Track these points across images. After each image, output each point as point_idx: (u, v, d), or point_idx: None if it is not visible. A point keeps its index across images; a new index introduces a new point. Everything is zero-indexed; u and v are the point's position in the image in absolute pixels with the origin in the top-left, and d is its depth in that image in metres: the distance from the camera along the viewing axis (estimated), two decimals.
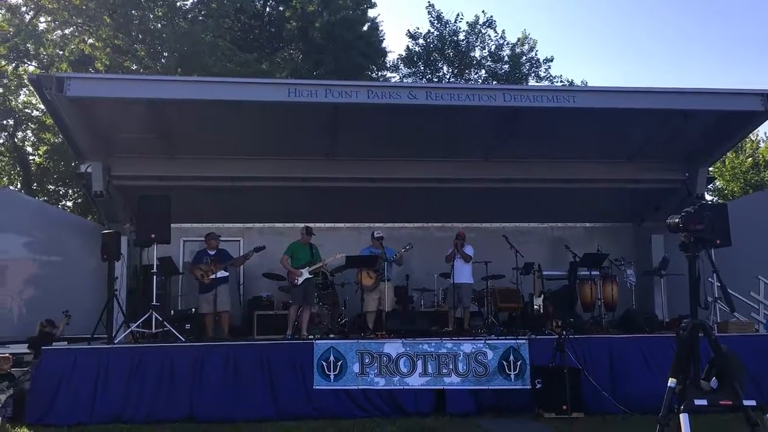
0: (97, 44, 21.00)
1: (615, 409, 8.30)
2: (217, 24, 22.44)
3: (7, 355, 8.26)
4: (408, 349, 8.78)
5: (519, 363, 8.75)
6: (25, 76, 20.63)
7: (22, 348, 9.73)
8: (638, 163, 12.01)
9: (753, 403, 4.11)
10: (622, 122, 10.77)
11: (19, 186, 22.60)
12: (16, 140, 23.42)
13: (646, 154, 11.79)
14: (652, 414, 4.32)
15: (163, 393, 8.31)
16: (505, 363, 8.75)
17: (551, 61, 29.84)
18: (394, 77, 29.69)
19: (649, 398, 7.29)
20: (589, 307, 11.33)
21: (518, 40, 30.40)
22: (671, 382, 4.19)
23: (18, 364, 8.77)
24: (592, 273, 11.37)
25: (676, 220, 4.42)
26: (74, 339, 9.88)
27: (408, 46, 30.20)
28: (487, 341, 8.92)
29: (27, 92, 22.37)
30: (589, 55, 55.17)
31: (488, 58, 30.21)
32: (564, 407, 8.07)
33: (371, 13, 27.87)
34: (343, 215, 13.33)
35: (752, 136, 25.79)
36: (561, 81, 29.60)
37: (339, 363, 8.64)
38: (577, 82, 29.24)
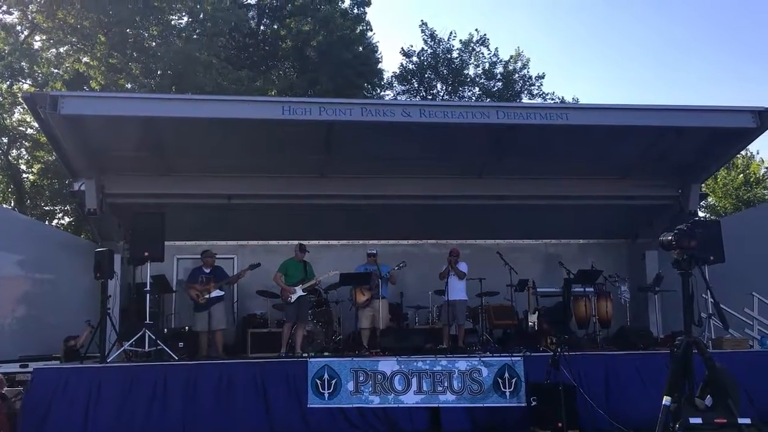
0: (91, 63, 21.06)
1: (610, 426, 8.26)
2: (212, 42, 22.53)
3: None
4: (403, 366, 8.74)
5: (514, 380, 8.72)
6: (19, 94, 20.66)
7: (15, 367, 9.66)
8: (631, 179, 12.06)
9: (747, 420, 4.11)
10: (615, 139, 10.83)
11: (12, 204, 22.53)
12: (10, 158, 23.39)
13: (639, 170, 11.84)
14: (648, 431, 4.31)
15: (157, 412, 8.22)
16: (500, 380, 8.71)
17: (543, 78, 30.09)
18: (388, 95, 29.89)
19: (644, 415, 7.30)
20: (584, 323, 11.32)
21: (511, 57, 30.69)
22: (666, 400, 4.19)
23: (10, 383, 8.69)
24: (587, 289, 11.37)
25: (669, 237, 4.44)
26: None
27: (402, 64, 30.43)
28: (482, 358, 8.89)
29: (21, 110, 22.39)
30: (582, 72, 55.60)
31: (482, 76, 30.44)
32: (559, 425, 8.01)
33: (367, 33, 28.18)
34: (337, 232, 13.33)
35: (744, 153, 25.96)
36: (553, 98, 29.86)
37: (333, 381, 8.59)
38: (569, 98, 29.49)
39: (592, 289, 11.43)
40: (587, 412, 8.39)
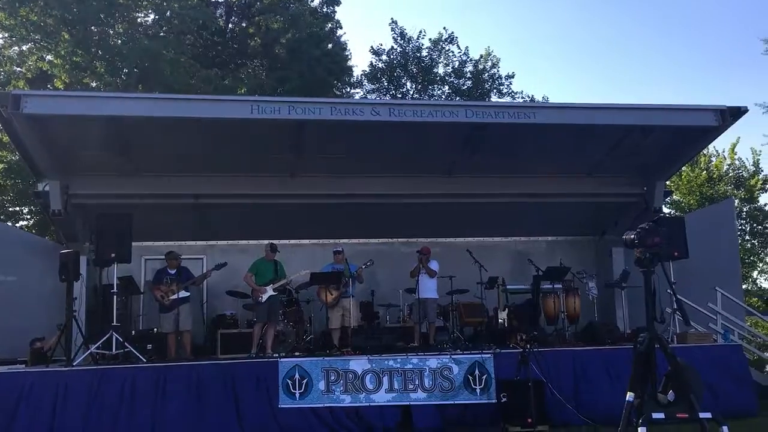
0: (55, 61, 20.67)
1: (579, 420, 8.38)
2: (179, 40, 22.28)
3: None
4: (374, 365, 8.76)
5: (484, 377, 8.79)
6: None
7: None
8: (598, 177, 12.21)
9: (708, 415, 4.19)
10: (582, 138, 10.96)
11: None
12: None
13: (605, 168, 12.00)
14: (616, 425, 4.38)
15: (124, 415, 8.13)
16: (470, 377, 8.78)
17: (512, 77, 30.27)
18: (358, 93, 29.84)
19: (611, 409, 7.31)
20: (553, 320, 11.45)
21: (481, 56, 30.80)
22: (629, 395, 4.26)
23: None
24: (555, 286, 11.50)
25: (632, 236, 4.51)
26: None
27: (372, 62, 30.39)
28: (453, 356, 8.95)
29: None
30: (551, 71, 56.14)
31: (451, 75, 30.53)
32: (529, 420, 8.12)
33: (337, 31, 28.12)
34: (308, 232, 13.29)
35: (705, 151, 26.46)
36: (522, 97, 30.04)
37: (304, 381, 8.58)
38: (538, 97, 29.73)
39: (560, 286, 11.56)
40: (556, 406, 8.51)
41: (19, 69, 21.06)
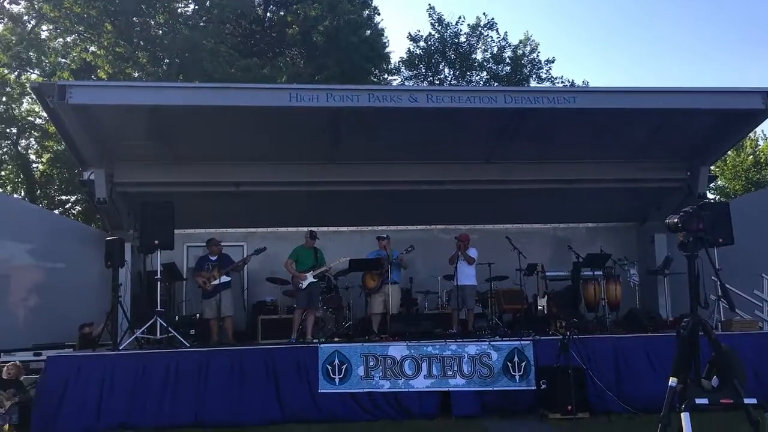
0: (99, 52, 21.09)
1: (620, 408, 8.30)
2: (218, 30, 22.51)
3: (16, 362, 8.28)
4: (412, 351, 8.80)
5: (524, 364, 8.76)
6: (27, 85, 20.74)
7: (29, 355, 9.76)
8: (640, 162, 12.01)
9: (754, 401, 4.12)
10: (623, 122, 10.77)
11: (22, 194, 22.69)
12: (19, 148, 23.52)
13: (648, 153, 11.79)
14: (657, 413, 4.34)
15: (169, 398, 8.33)
16: (509, 364, 8.76)
17: (553, 62, 29.85)
18: (395, 80, 29.76)
19: (653, 397, 7.28)
20: (593, 307, 11.33)
21: (520, 41, 30.43)
22: (672, 381, 4.21)
23: (25, 371, 8.79)
24: (596, 273, 11.37)
25: (675, 220, 4.44)
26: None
27: (409, 49, 30.27)
28: (492, 342, 8.93)
29: (30, 100, 22.50)
30: (591, 55, 55.20)
31: (490, 60, 30.23)
32: (569, 407, 8.07)
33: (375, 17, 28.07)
34: (347, 219, 13.36)
35: (752, 135, 25.78)
36: (562, 82, 29.61)
37: (344, 366, 8.66)
38: (579, 82, 29.25)
39: (601, 273, 11.42)
40: (597, 394, 8.44)
41: (63, 60, 21.54)
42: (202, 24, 22.97)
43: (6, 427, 7.76)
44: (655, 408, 4.61)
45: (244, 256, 11.45)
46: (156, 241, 9.75)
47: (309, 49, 26.12)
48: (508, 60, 30.14)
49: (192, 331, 10.55)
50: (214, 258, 10.66)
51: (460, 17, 29.92)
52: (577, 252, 11.52)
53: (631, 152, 11.85)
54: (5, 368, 8.06)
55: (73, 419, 8.11)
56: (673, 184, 12.22)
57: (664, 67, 54.34)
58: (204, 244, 11.11)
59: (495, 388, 8.67)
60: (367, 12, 27.62)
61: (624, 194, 12.76)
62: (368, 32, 26.93)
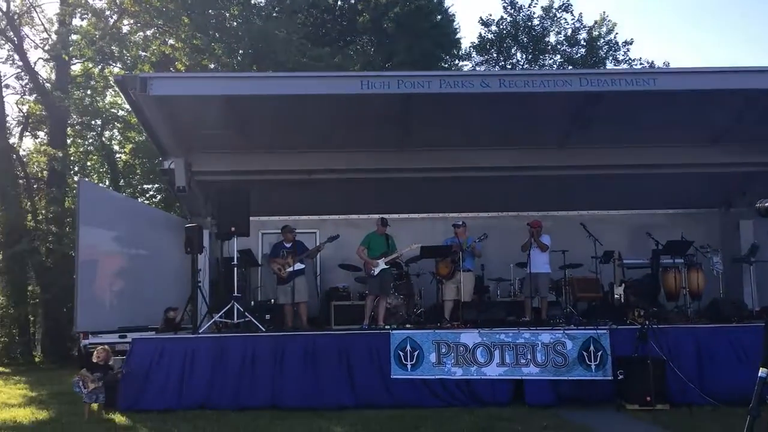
0: (176, 45, 21.69)
1: (701, 400, 8.05)
2: (291, 20, 22.77)
3: (106, 347, 8.67)
4: (485, 339, 8.74)
5: (600, 353, 8.58)
6: (110, 78, 21.58)
7: (114, 338, 10.20)
8: (724, 145, 11.51)
9: None
10: (706, 104, 10.31)
11: (107, 183, 23.65)
12: (103, 139, 24.54)
13: (732, 136, 11.28)
14: (742, 406, 4.19)
15: (246, 381, 8.57)
16: (585, 353, 8.59)
17: (631, 43, 28.88)
18: (466, 65, 29.46)
19: (737, 389, 7.09)
20: (673, 296, 10.97)
21: (595, 22, 29.59)
22: (762, 371, 4.04)
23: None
24: (676, 261, 10.99)
25: (766, 204, 4.25)
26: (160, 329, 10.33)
27: (480, 34, 29.88)
28: (566, 331, 8.78)
29: (113, 93, 23.41)
30: (675, 37, 53.13)
31: (564, 43, 29.52)
32: (648, 398, 7.87)
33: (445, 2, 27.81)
34: (418, 206, 13.35)
35: None
36: (641, 64, 28.62)
37: (416, 353, 8.69)
38: (659, 64, 28.21)
39: (682, 261, 11.04)
40: (677, 386, 8.22)
41: (144, 54, 22.26)
42: (274, 14, 23.29)
43: (94, 406, 8.16)
44: (740, 400, 4.45)
45: (317, 243, 11.59)
46: (232, 228, 10.02)
47: (379, 36, 26.14)
48: (583, 42, 29.36)
49: (267, 316, 10.79)
50: (288, 245, 10.84)
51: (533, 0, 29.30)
52: (656, 239, 11.16)
53: (714, 135, 11.40)
54: (95, 352, 8.47)
55: (156, 399, 8.46)
56: (761, 168, 11.67)
57: (751, 46, 51.82)
58: (278, 231, 11.31)
59: (570, 378, 8.54)
60: None
61: (707, 179, 12.30)
62: (439, 18, 26.71)
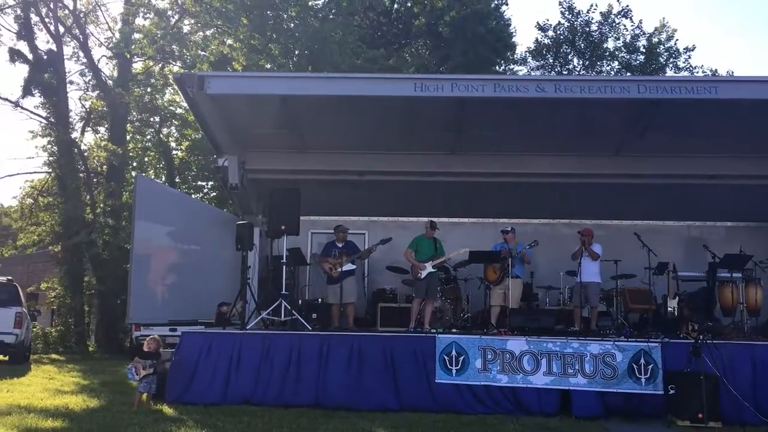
0: (234, 45, 22.08)
1: (756, 420, 7.79)
2: (347, 22, 22.94)
3: (155, 336, 8.88)
4: (532, 347, 8.62)
5: (650, 367, 8.36)
6: (170, 76, 22.10)
7: (165, 330, 10.42)
8: None
9: None
10: None
11: (163, 179, 24.21)
12: (161, 136, 25.14)
13: None
14: None
15: (291, 379, 8.64)
16: (635, 366, 8.39)
17: (692, 50, 28.22)
18: (522, 70, 29.20)
19: None
20: (730, 311, 10.63)
21: (655, 29, 28.97)
22: None
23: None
24: (734, 275, 10.64)
25: None
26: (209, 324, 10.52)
27: (537, 39, 29.59)
28: (617, 343, 8.59)
29: (171, 91, 23.96)
30: (738, 43, 51.57)
31: (622, 49, 28.98)
32: (700, 415, 7.64)
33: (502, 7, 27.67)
34: (468, 210, 13.26)
35: None
36: (703, 71, 27.89)
37: (461, 358, 8.62)
38: (722, 72, 27.45)
39: (740, 275, 10.68)
40: (731, 403, 7.95)
41: (203, 53, 22.72)
42: (331, 16, 23.49)
43: (144, 396, 8.36)
44: None
45: (366, 244, 11.61)
46: (283, 227, 10.11)
47: (434, 39, 26.13)
48: (642, 49, 28.77)
49: (314, 315, 10.86)
50: (340, 245, 10.87)
51: (591, 5, 28.98)
52: (713, 252, 10.83)
53: None
54: (146, 342, 8.69)
55: (202, 392, 8.61)
56: None
57: None
58: (327, 231, 11.37)
59: (619, 390, 8.35)
60: (494, 2, 27.24)
61: None
62: (494, 23, 26.56)
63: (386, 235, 11.34)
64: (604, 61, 28.95)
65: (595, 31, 28.95)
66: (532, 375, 8.51)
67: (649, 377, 8.34)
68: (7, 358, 14.71)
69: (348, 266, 10.66)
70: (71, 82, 23.51)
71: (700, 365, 7.85)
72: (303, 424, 7.49)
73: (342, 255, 10.68)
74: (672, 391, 7.98)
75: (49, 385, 10.90)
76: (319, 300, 11.66)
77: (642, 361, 8.40)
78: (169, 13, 23.27)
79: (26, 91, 21.44)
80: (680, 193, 12.05)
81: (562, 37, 29.16)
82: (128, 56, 22.52)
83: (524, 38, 69.80)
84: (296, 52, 22.15)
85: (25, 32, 21.42)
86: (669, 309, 10.56)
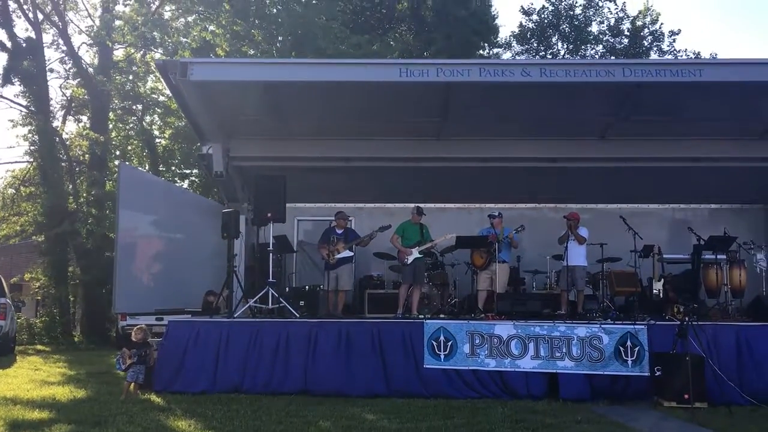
0: (217, 31, 21.83)
1: (741, 400, 7.88)
2: (330, 7, 22.75)
3: (142, 326, 8.83)
4: (519, 331, 8.66)
5: (637, 349, 8.44)
6: (152, 63, 21.85)
7: (151, 319, 10.34)
8: None
9: None
10: (754, 97, 10.02)
11: (147, 167, 24.00)
12: (144, 124, 24.89)
13: None
14: None
15: (279, 366, 8.64)
16: (621, 348, 8.46)
17: (677, 34, 28.25)
18: (505, 54, 29.15)
19: None
20: (714, 292, 10.73)
21: (639, 12, 29.00)
22: None
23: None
24: (718, 257, 10.73)
25: None
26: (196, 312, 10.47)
27: (521, 23, 29.53)
28: (603, 325, 8.66)
29: (154, 78, 23.69)
30: (721, 26, 51.79)
31: (606, 33, 29.01)
32: (685, 396, 7.70)
33: None
34: (454, 195, 13.27)
35: None
36: (687, 55, 27.98)
37: (449, 343, 8.64)
38: (705, 55, 27.55)
39: (724, 257, 10.78)
40: (716, 384, 8.05)
41: (185, 40, 22.46)
42: (314, 1, 23.29)
43: (131, 386, 8.31)
44: None
45: (369, 233, 11.54)
46: (269, 214, 10.06)
47: (418, 24, 26.00)
48: (626, 32, 28.81)
49: (301, 303, 10.83)
50: (340, 231, 10.78)
51: None
52: (698, 234, 10.91)
53: (762, 129, 11.06)
54: (133, 331, 8.65)
55: (190, 381, 8.59)
56: None
57: None
58: (314, 218, 11.32)
59: (605, 372, 8.42)
60: None
61: (752, 174, 11.94)
62: (476, 3, 26.42)
63: (373, 221, 11.32)
64: (589, 45, 28.97)
65: (580, 14, 28.95)
66: (519, 359, 8.56)
67: (635, 359, 8.40)
68: None
69: (345, 253, 10.60)
70: (51, 70, 23.27)
71: (686, 347, 7.92)
72: (292, 411, 7.49)
73: (340, 241, 10.61)
74: (658, 373, 8.07)
75: (35, 377, 10.82)
76: (306, 287, 11.62)
77: (628, 343, 8.47)
78: None
79: (5, 80, 21.11)
80: (665, 176, 12.10)
81: (546, 21, 29.12)
82: (109, 44, 22.21)
83: (509, 23, 69.53)
84: (280, 38, 21.96)
85: (3, 19, 21.01)
86: (654, 291, 10.64)
